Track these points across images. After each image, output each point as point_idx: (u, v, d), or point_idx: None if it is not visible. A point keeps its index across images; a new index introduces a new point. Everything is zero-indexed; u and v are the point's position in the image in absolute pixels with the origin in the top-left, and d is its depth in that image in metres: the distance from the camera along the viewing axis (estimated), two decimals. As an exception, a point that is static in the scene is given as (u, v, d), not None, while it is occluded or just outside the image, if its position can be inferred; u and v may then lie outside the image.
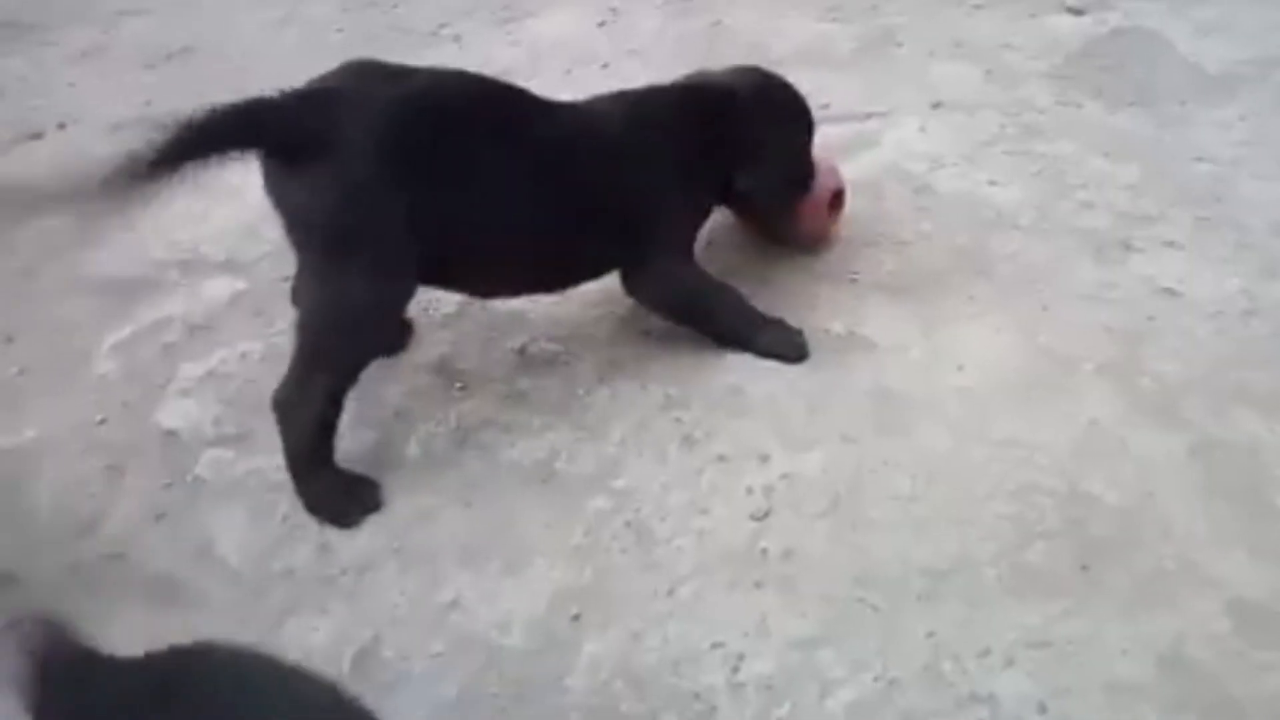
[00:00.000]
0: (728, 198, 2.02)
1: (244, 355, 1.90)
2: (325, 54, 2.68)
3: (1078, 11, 2.96)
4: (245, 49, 2.70)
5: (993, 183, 2.35)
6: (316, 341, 1.58)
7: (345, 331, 1.58)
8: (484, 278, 1.75)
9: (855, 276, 2.11)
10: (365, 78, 1.59)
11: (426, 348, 1.93)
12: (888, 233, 2.22)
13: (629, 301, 1.94)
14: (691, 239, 1.94)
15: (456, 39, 2.78)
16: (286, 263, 2.03)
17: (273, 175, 1.53)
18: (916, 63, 2.73)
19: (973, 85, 2.63)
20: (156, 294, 2.00)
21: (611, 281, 1.96)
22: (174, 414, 1.84)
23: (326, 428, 1.62)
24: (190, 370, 1.88)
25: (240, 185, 2.19)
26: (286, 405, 1.60)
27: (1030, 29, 2.87)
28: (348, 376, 1.61)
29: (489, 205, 1.61)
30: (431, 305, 1.99)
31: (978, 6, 2.98)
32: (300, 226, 1.54)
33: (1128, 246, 2.21)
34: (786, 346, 1.93)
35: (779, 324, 1.95)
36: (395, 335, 1.87)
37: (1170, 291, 2.09)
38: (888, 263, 2.14)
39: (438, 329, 1.96)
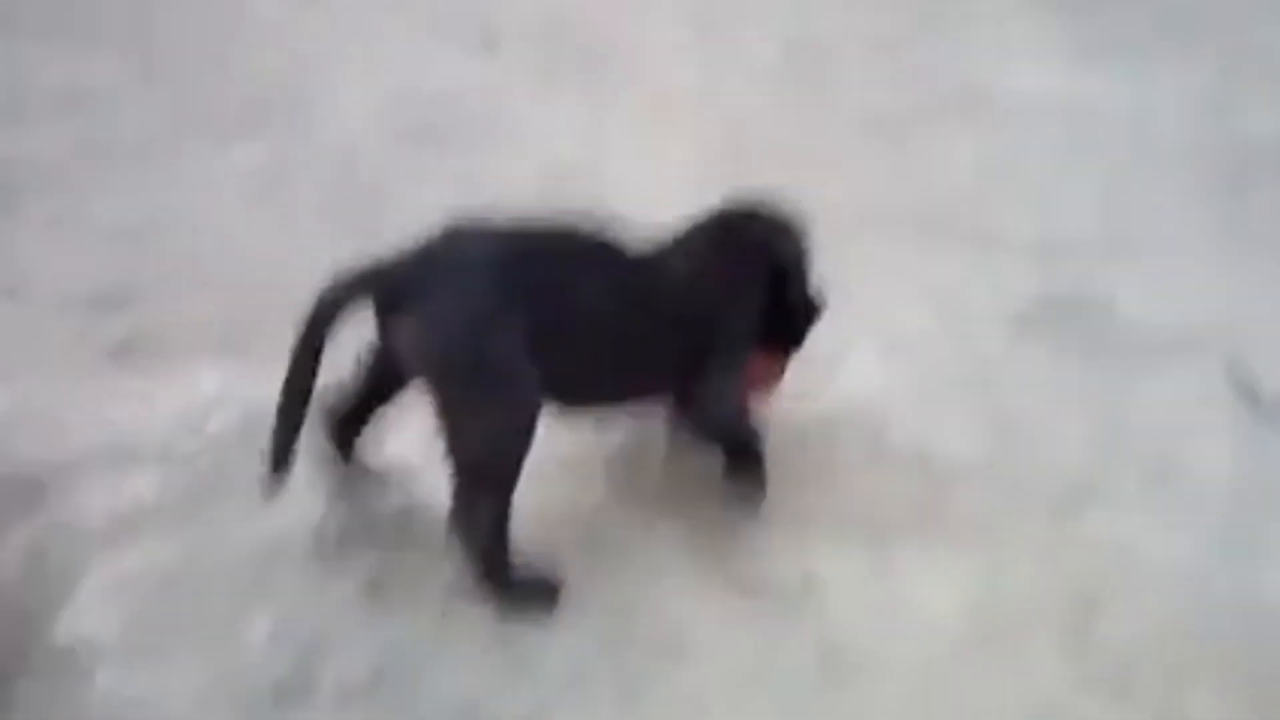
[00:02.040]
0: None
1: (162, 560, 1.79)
2: (305, 234, 2.72)
3: (1031, 262, 3.07)
4: (218, 225, 2.70)
5: (946, 430, 2.36)
6: (475, 468, 1.72)
7: (501, 451, 1.72)
8: (580, 389, 1.90)
9: (807, 520, 2.06)
10: (463, 229, 1.80)
11: (358, 558, 1.83)
12: (839, 477, 2.19)
13: (580, 519, 1.87)
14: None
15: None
16: (226, 459, 1.97)
17: (400, 328, 1.69)
18: (871, 301, 2.79)
19: (926, 327, 2.68)
20: (76, 485, 1.89)
21: (572, 500, 1.91)
22: (76, 623, 1.70)
23: (503, 538, 1.75)
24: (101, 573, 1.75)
25: (192, 371, 2.17)
26: (464, 528, 1.74)
27: (985, 275, 2.96)
28: (510, 489, 1.74)
29: (584, 323, 1.80)
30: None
31: (934, 249, 3.08)
32: (436, 365, 1.68)
33: (1082, 504, 2.20)
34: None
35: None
36: None
37: (1126, 552, 2.07)
38: (839, 508, 2.10)
39: (376, 535, 1.87)
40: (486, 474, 1.73)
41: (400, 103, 3.57)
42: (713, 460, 2.11)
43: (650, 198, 3.16)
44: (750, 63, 4.38)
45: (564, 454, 2.10)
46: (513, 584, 1.78)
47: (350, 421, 1.92)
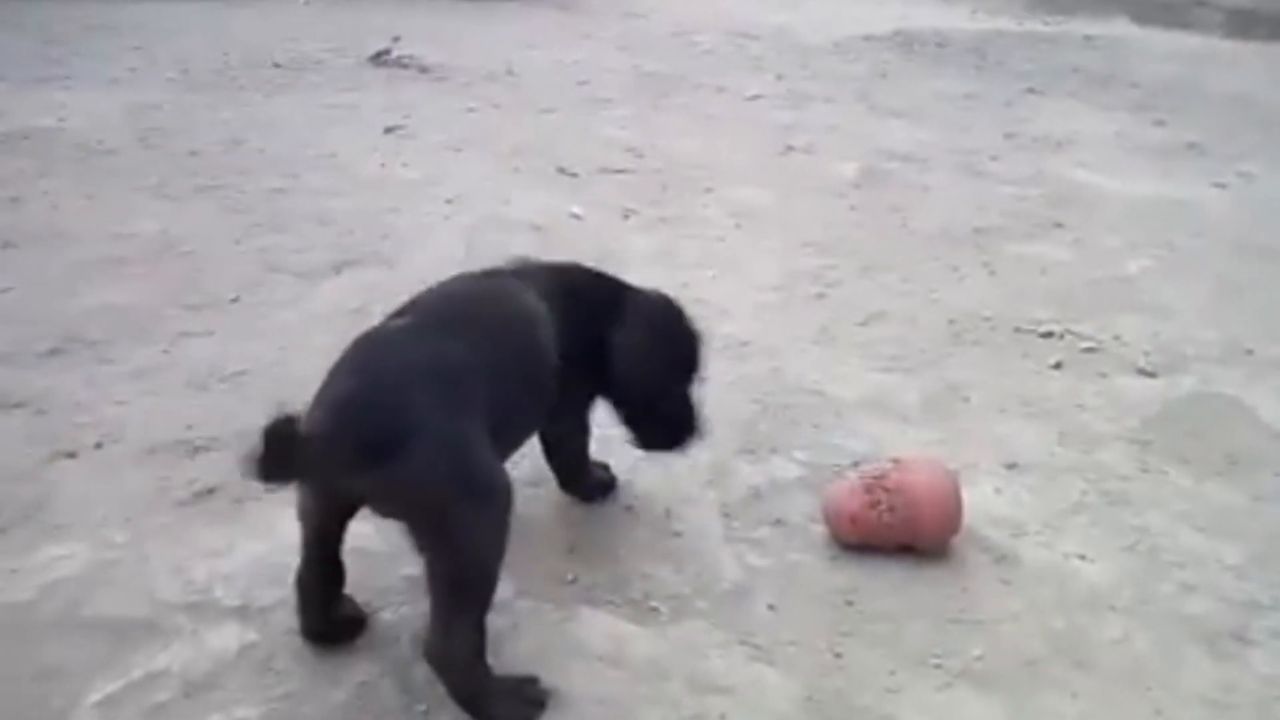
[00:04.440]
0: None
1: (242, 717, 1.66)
2: None
3: (1150, 374, 2.88)
4: (301, 374, 2.68)
5: (1082, 556, 2.15)
6: (463, 586, 1.67)
7: (487, 568, 1.69)
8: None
9: (939, 661, 1.86)
10: (378, 348, 1.75)
11: (446, 708, 1.68)
12: (970, 609, 1.99)
13: (681, 673, 1.72)
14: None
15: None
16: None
17: (371, 474, 1.58)
18: (986, 419, 2.62)
19: (1047, 447, 2.50)
20: (155, 641, 1.80)
21: (659, 649, 1.75)
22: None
23: (481, 655, 1.70)
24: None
25: (272, 519, 2.09)
26: (442, 654, 1.67)
27: (1103, 390, 2.77)
28: (489, 605, 1.70)
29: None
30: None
31: (1049, 365, 2.91)
32: (417, 503, 1.63)
33: (1243, 639, 1.95)
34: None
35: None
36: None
37: (1304, 694, 1.82)
38: (974, 646, 1.90)
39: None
40: (471, 591, 1.68)
41: (486, 234, 3.59)
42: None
43: (736, 310, 3.11)
44: (830, 181, 4.36)
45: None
46: (494, 696, 1.70)
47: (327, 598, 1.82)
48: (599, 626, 1.89)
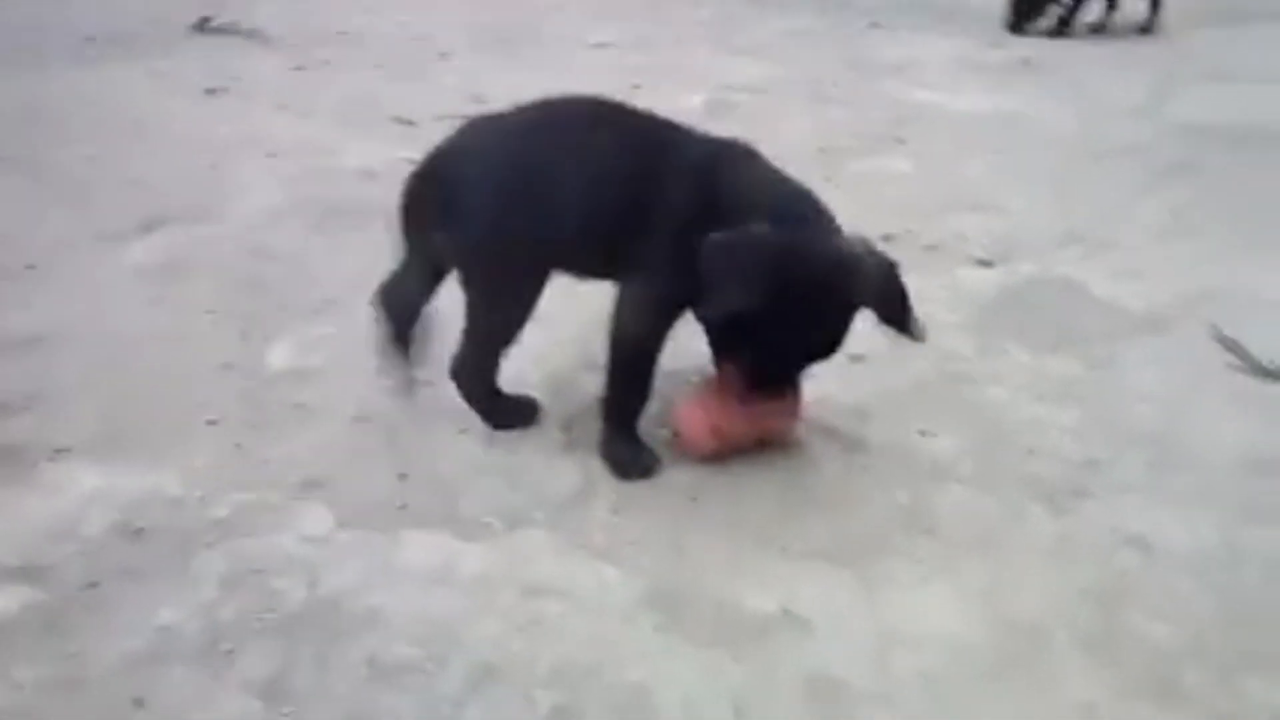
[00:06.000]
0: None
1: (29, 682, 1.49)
2: (197, 337, 2.51)
3: (988, 264, 2.90)
4: (111, 330, 2.47)
5: (924, 433, 2.13)
6: (478, 329, 2.01)
7: (504, 320, 2.01)
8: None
9: (784, 544, 1.81)
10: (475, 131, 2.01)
11: (255, 660, 1.54)
12: (816, 493, 1.95)
13: (514, 583, 1.62)
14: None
15: (341, 313, 2.59)
16: (95, 568, 1.70)
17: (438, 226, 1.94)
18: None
19: (890, 336, 2.47)
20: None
21: (490, 561, 1.65)
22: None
23: (486, 378, 2.09)
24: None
25: (62, 480, 1.91)
26: (464, 375, 2.07)
27: (945, 284, 2.77)
28: (502, 345, 2.04)
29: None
30: (265, 611, 1.63)
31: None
32: (457, 260, 1.98)
33: (1082, 494, 1.96)
34: (628, 466, 1.98)
35: (646, 450, 2.02)
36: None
37: (1139, 542, 1.83)
38: (819, 526, 1.85)
39: (272, 635, 1.58)
40: (497, 331, 2.02)
41: (309, 184, 3.39)
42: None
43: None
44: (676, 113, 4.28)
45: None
46: (500, 406, 2.11)
47: (408, 313, 2.08)
48: (426, 546, 1.78)
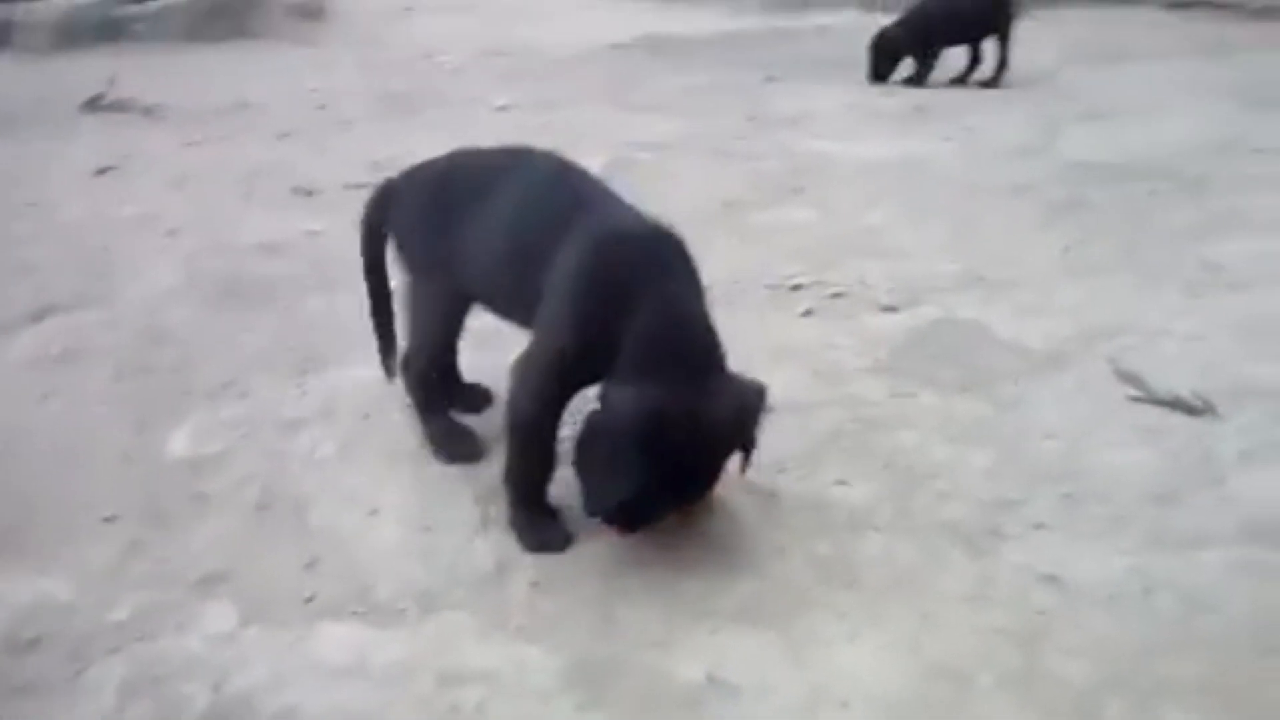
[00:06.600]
0: None
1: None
2: (91, 429, 2.41)
3: (893, 309, 2.95)
4: (3, 426, 2.36)
5: (841, 482, 2.14)
6: (412, 331, 2.25)
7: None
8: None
9: (708, 609, 1.78)
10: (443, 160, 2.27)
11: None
12: (737, 552, 1.93)
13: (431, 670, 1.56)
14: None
15: (243, 395, 2.51)
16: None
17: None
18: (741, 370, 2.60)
19: (802, 388, 2.49)
20: None
21: (406, 648, 1.59)
22: None
23: (432, 386, 2.26)
24: None
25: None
26: (407, 371, 2.26)
27: (851, 330, 2.82)
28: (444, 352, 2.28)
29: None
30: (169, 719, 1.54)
31: (799, 313, 2.94)
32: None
33: (997, 534, 1.99)
34: (533, 540, 1.93)
35: (551, 518, 1.97)
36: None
37: (1054, 579, 1.86)
38: (743, 585, 1.84)
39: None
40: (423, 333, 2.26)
41: (208, 260, 3.31)
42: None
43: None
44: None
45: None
46: (437, 424, 2.27)
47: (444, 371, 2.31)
48: (338, 638, 1.71)
